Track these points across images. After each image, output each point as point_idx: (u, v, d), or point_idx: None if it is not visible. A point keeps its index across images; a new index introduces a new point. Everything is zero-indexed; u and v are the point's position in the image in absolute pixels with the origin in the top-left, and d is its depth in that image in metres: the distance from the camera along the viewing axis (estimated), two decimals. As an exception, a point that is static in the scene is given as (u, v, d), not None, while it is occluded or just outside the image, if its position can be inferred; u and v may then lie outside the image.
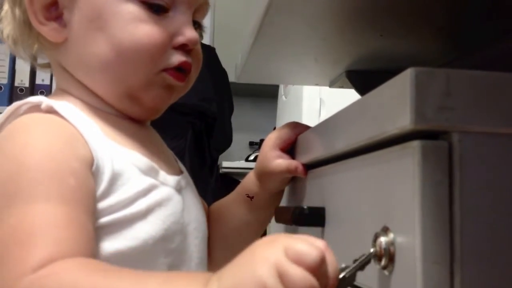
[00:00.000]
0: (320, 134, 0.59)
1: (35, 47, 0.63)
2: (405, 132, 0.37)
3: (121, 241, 0.54)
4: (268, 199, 0.72)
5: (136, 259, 0.55)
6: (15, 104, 0.58)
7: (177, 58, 0.61)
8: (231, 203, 0.76)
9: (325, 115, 1.34)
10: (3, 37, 0.64)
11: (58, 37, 0.60)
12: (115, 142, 0.58)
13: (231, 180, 2.29)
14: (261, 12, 0.65)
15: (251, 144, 2.93)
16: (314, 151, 0.60)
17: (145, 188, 0.57)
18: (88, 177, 0.53)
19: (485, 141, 0.36)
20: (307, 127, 0.69)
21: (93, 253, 0.50)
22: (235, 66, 0.99)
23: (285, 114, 1.67)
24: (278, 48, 0.79)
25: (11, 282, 0.44)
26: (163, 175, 0.61)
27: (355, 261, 0.40)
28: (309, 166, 0.64)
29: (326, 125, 0.56)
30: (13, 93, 2.26)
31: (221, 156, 2.30)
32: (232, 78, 1.61)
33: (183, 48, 0.61)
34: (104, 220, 0.54)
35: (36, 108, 0.57)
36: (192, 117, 1.98)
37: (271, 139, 0.70)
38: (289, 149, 0.70)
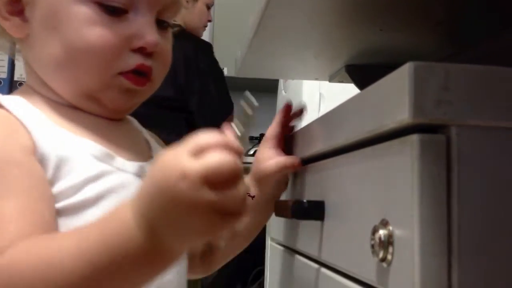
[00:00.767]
0: (319, 128, 0.59)
1: (4, 41, 0.63)
2: (404, 126, 0.37)
3: (75, 226, 0.53)
4: (264, 203, 0.72)
5: None
6: None
7: (134, 60, 0.59)
8: None
9: (325, 109, 1.34)
10: None
11: (19, 32, 0.60)
12: (66, 130, 0.58)
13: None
14: (262, 6, 0.66)
15: (251, 138, 2.93)
16: (314, 145, 0.60)
17: (96, 174, 0.56)
18: (35, 165, 0.52)
19: (483, 135, 0.36)
20: (287, 113, 0.73)
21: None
22: (234, 61, 0.99)
23: (285, 109, 1.67)
24: (278, 42, 0.79)
25: None
26: (121, 161, 0.60)
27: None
28: (308, 160, 0.64)
29: (326, 120, 0.56)
30: (12, 87, 2.27)
31: (221, 151, 2.29)
32: (231, 72, 1.61)
33: (142, 51, 0.59)
34: (57, 206, 0.53)
35: None
36: (187, 113, 1.99)
37: (261, 143, 0.72)
38: (287, 143, 0.71)
